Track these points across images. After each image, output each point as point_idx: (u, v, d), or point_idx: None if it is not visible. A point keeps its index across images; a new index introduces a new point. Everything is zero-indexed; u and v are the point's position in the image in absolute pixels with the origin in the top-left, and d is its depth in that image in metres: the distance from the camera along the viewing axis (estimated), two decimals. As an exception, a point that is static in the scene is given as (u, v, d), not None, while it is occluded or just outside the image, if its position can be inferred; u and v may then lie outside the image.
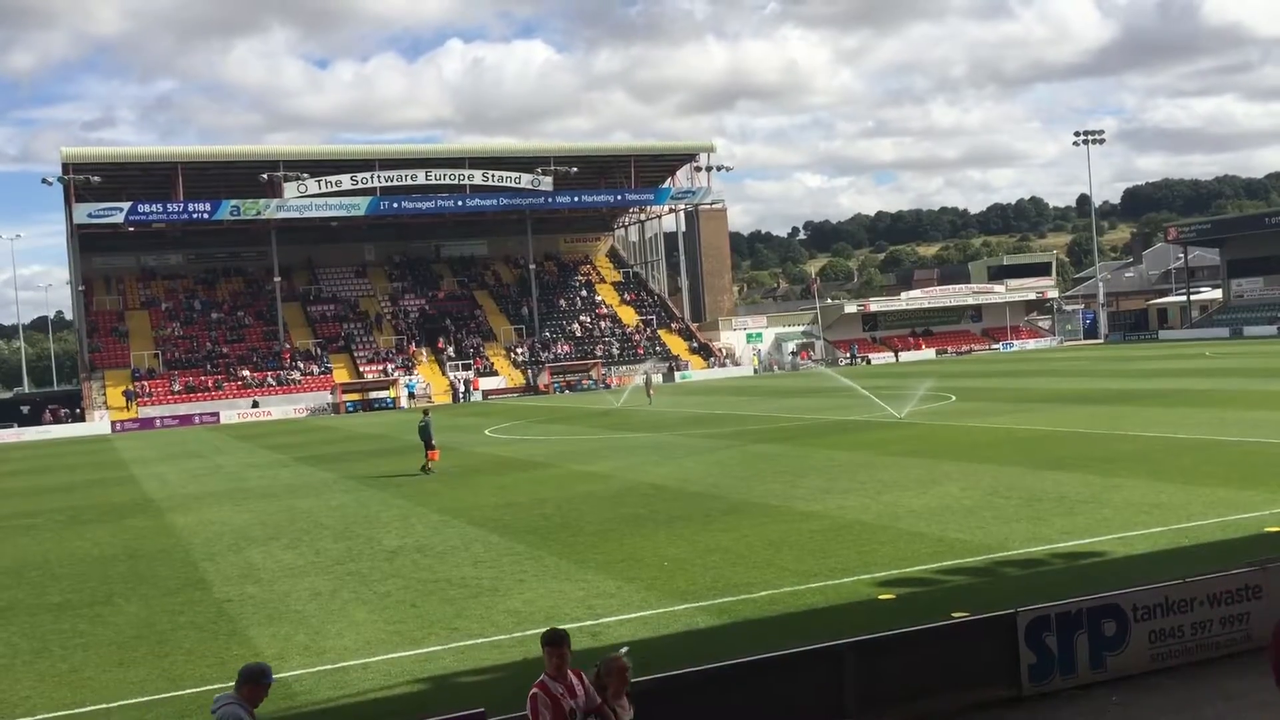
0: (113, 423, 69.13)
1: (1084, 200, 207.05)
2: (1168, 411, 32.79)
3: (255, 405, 72.59)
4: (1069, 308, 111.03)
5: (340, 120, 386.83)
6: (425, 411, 32.79)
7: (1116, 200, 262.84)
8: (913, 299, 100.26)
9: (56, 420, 71.43)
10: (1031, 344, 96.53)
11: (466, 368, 79.97)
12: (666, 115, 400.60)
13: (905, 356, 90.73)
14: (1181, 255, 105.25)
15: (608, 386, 74.30)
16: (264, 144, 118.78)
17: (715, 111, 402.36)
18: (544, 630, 7.78)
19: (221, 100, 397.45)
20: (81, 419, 71.30)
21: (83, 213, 73.37)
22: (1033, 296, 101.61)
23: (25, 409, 76.85)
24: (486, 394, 76.49)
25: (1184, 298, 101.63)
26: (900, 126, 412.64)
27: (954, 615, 11.38)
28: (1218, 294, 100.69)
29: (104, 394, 73.02)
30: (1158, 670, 10.33)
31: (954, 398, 43.09)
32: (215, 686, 11.83)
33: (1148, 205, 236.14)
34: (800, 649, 9.71)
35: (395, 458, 35.72)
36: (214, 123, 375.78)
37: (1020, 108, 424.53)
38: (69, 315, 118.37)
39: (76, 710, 11.47)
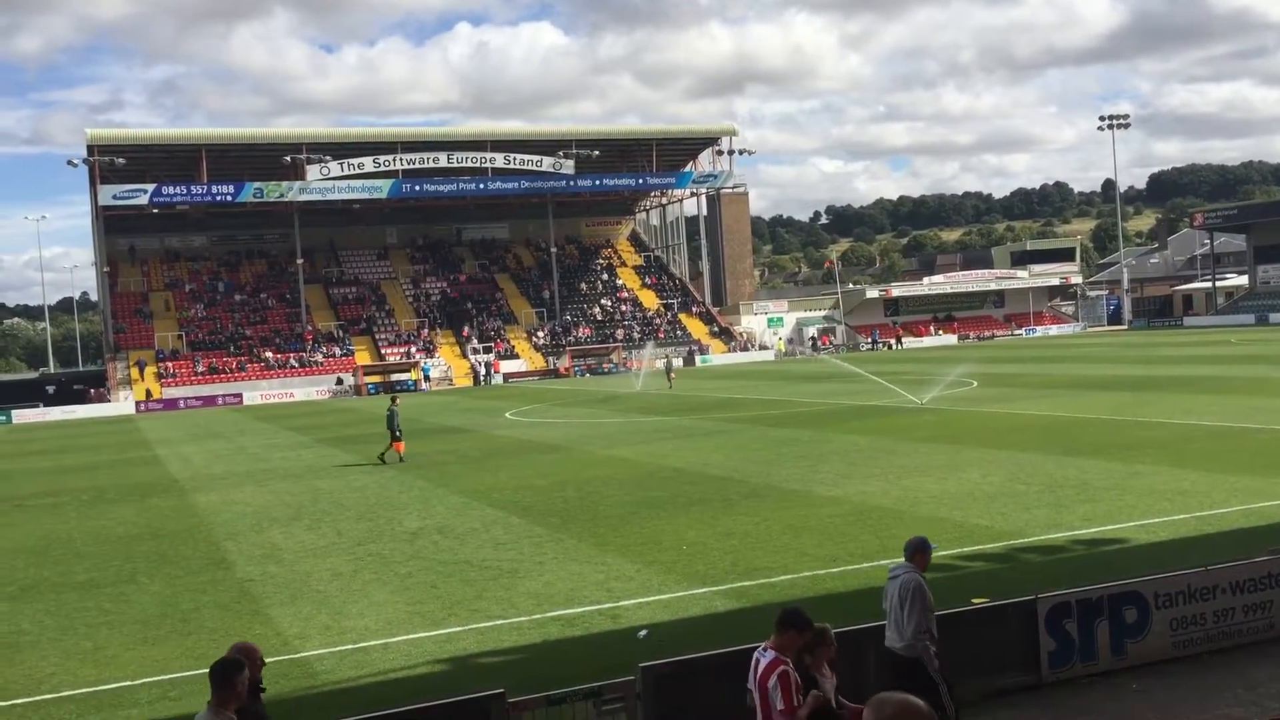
0: (137, 403, 69.67)
1: (1109, 185, 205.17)
2: (1192, 398, 32.56)
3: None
4: (1093, 293, 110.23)
5: (347, 104, 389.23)
6: (393, 400, 32.54)
7: (1142, 186, 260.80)
8: (935, 284, 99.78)
9: (99, 400, 71.88)
10: (1054, 330, 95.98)
11: (487, 351, 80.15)
12: (674, 99, 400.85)
13: (926, 342, 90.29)
14: (1207, 241, 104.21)
15: (629, 370, 74.33)
16: (276, 126, 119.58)
17: (724, 96, 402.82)
18: (790, 611, 7.37)
19: (228, 84, 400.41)
20: (106, 399, 71.90)
21: (108, 194, 73.83)
22: (1056, 282, 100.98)
23: (51, 389, 77.57)
24: (507, 377, 76.64)
25: (1209, 284, 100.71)
26: (911, 111, 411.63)
27: (974, 601, 11.35)
28: (1244, 280, 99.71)
29: (129, 374, 73.59)
30: (1180, 658, 10.29)
31: (975, 383, 42.91)
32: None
33: (1173, 190, 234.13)
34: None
35: (416, 440, 35.83)
36: (221, 106, 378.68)
37: (1033, 93, 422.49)
38: (94, 296, 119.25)
39: (101, 687, 11.58)
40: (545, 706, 8.42)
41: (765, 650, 7.13)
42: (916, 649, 8.25)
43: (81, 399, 72.92)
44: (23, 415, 68.39)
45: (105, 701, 11.16)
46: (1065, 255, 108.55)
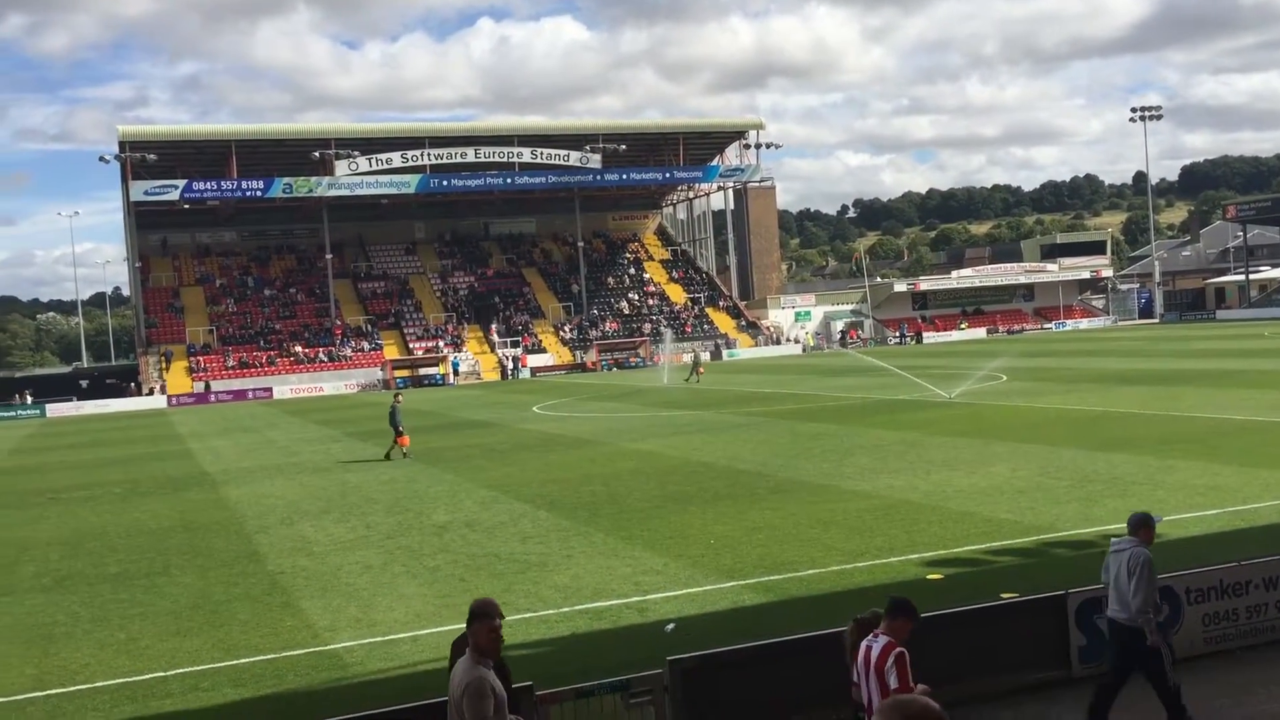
0: (169, 397, 70.32)
1: (1140, 178, 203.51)
2: (1225, 392, 32.23)
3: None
4: (1124, 287, 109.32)
5: (370, 100, 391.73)
6: (396, 396, 32.60)
7: (1172, 178, 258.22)
8: (964, 278, 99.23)
9: (140, 393, 72.58)
10: (1085, 324, 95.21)
11: (515, 345, 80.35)
12: (696, 94, 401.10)
13: (953, 336, 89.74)
14: (1240, 233, 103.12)
15: (655, 364, 74.34)
16: (302, 122, 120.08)
17: (746, 90, 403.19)
18: (901, 600, 7.40)
19: (251, 80, 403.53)
20: (139, 393, 72.64)
21: (139, 190, 74.53)
22: (1087, 275, 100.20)
23: (84, 383, 78.40)
24: (534, 371, 76.83)
25: (1243, 277, 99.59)
26: (935, 104, 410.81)
27: (1003, 596, 11.31)
28: (1277, 273, 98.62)
29: (160, 368, 74.26)
30: (1211, 653, 10.21)
31: (1005, 377, 42.65)
32: (269, 656, 12.07)
33: (1205, 183, 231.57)
34: (846, 628, 9.68)
35: (445, 434, 36.02)
36: (245, 102, 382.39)
37: (1058, 85, 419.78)
38: (126, 291, 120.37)
39: (134, 678, 11.71)
40: (574, 699, 8.45)
41: (877, 638, 7.24)
42: (1141, 620, 8.62)
43: (115, 393, 73.66)
44: (57, 409, 69.15)
45: (138, 692, 11.28)
46: (1096, 248, 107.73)
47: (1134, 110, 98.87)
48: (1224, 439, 22.91)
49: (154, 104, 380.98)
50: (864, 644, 7.27)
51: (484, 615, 6.66)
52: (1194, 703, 9.27)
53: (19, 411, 68.98)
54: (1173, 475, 18.99)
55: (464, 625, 6.82)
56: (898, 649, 7.08)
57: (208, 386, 71.76)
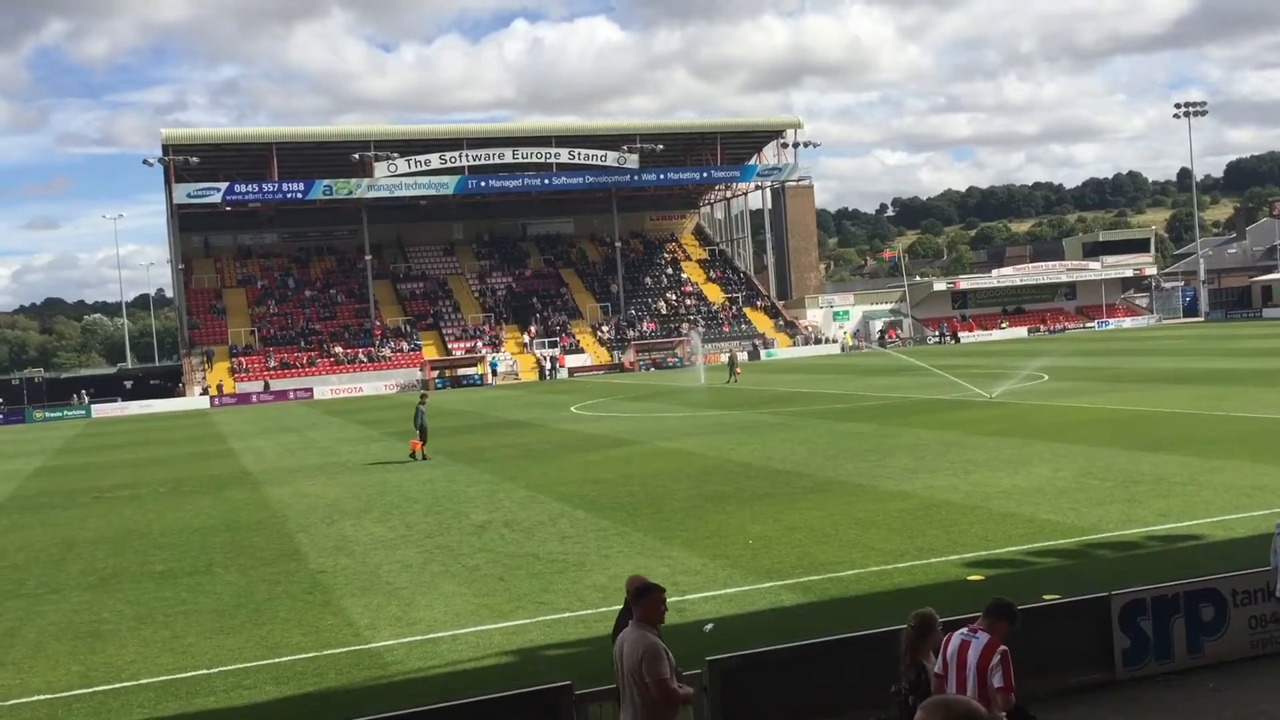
0: (210, 398, 71.12)
1: (1184, 174, 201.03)
2: (1271, 392, 31.74)
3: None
4: (1168, 285, 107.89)
5: (405, 102, 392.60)
6: (422, 396, 32.43)
7: (1219, 174, 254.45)
8: (1004, 276, 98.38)
9: (184, 393, 73.49)
10: (1128, 322, 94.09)
11: (552, 345, 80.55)
12: (730, 93, 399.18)
13: (993, 335, 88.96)
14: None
15: (691, 364, 74.25)
16: (340, 125, 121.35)
17: (781, 89, 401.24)
18: (1007, 602, 7.46)
19: (288, 84, 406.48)
20: (183, 393, 73.55)
21: (182, 193, 75.45)
22: (1130, 273, 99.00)
23: (129, 384, 79.51)
24: (572, 371, 76.96)
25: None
26: (972, 102, 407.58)
27: (1045, 598, 11.20)
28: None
29: (204, 369, 75.12)
30: (1258, 657, 10.06)
31: (1046, 377, 42.24)
32: (310, 654, 12.18)
33: (1252, 178, 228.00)
34: (887, 629, 9.64)
35: (483, 434, 36.18)
36: (282, 106, 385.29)
37: (1098, 81, 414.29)
38: (169, 293, 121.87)
39: (178, 675, 11.85)
40: (613, 699, 8.45)
41: (977, 633, 7.20)
42: None
43: (158, 393, 74.61)
44: (102, 409, 70.15)
45: (183, 689, 11.42)
46: (1139, 246, 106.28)
47: (1178, 106, 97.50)
48: (1270, 439, 22.57)
49: (193, 108, 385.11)
50: (958, 639, 7.20)
51: (652, 589, 7.32)
52: (1238, 707, 9.16)
53: (65, 412, 70.10)
54: (1218, 476, 18.73)
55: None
56: (1002, 647, 7.06)
57: (267, 385, 72.54)
